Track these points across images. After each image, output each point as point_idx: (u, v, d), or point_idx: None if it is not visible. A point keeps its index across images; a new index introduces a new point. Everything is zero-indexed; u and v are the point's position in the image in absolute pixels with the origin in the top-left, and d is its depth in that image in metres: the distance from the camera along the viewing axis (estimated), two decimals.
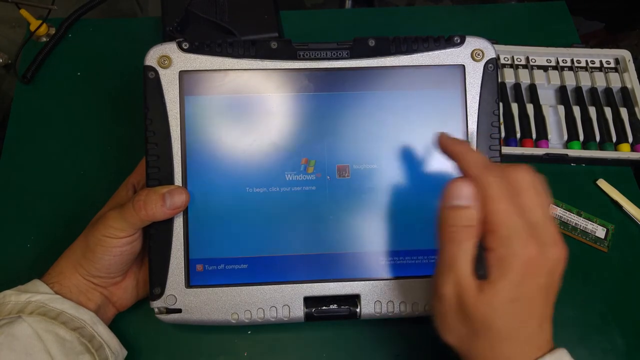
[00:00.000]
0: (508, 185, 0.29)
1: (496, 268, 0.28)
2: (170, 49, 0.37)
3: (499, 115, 0.39)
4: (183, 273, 0.37)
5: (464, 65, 0.39)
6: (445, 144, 0.33)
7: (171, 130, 0.37)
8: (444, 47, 0.39)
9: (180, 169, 0.37)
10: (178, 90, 0.37)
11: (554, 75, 0.53)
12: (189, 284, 0.37)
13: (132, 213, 0.34)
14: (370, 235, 0.38)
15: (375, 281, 0.38)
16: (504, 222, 0.28)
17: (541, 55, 0.54)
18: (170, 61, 0.37)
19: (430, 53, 0.39)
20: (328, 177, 0.38)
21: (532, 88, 0.52)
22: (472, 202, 0.29)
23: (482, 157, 0.30)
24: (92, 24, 0.56)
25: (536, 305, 0.30)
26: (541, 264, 0.29)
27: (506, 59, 0.53)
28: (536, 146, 0.49)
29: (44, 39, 0.55)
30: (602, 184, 0.49)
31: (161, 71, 0.37)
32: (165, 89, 0.37)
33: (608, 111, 0.51)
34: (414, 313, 0.38)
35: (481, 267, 0.29)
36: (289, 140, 0.38)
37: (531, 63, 0.53)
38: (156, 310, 0.37)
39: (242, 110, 0.38)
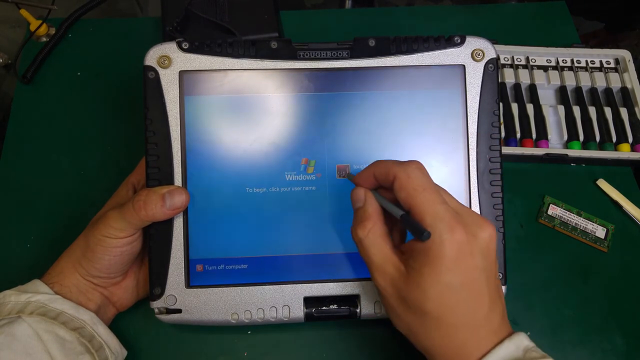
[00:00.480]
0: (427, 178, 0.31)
1: (422, 255, 0.29)
2: (170, 49, 0.37)
3: (499, 115, 0.39)
4: (183, 273, 0.37)
5: (464, 65, 0.39)
6: (358, 179, 0.34)
7: (171, 130, 0.37)
8: (444, 47, 0.39)
9: (180, 169, 0.37)
10: (178, 90, 0.37)
11: (554, 75, 0.53)
12: (189, 284, 0.37)
13: (132, 213, 0.34)
14: None
15: None
16: (427, 211, 0.29)
17: (541, 55, 0.54)
18: (170, 61, 0.37)
19: (431, 53, 0.39)
20: (328, 177, 0.38)
21: (532, 88, 0.52)
22: (363, 202, 0.32)
23: (391, 160, 0.32)
24: (92, 24, 0.56)
25: (479, 288, 0.29)
26: (473, 246, 0.29)
27: (506, 59, 0.53)
28: (536, 146, 0.49)
29: (44, 39, 0.55)
30: (602, 184, 0.49)
31: (161, 71, 0.37)
32: (165, 89, 0.37)
33: (608, 111, 0.51)
34: None
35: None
36: (289, 140, 0.38)
37: (531, 63, 0.53)
38: (156, 310, 0.37)
39: (242, 110, 0.38)
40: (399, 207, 0.31)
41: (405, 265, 0.30)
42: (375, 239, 0.31)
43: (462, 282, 0.29)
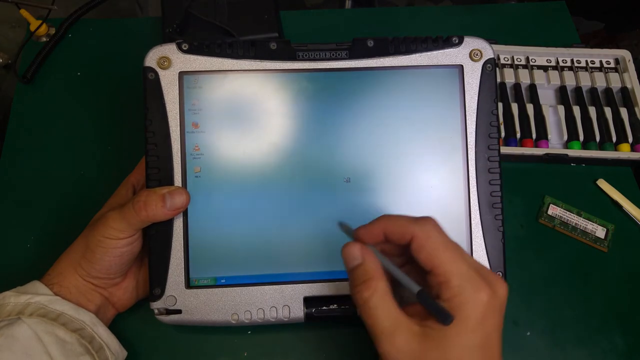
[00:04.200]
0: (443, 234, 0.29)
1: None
2: (169, 50, 0.37)
3: (497, 115, 0.39)
4: (183, 274, 0.37)
5: (462, 66, 0.39)
6: (364, 235, 0.31)
7: (171, 131, 0.37)
8: (443, 48, 0.39)
9: (180, 169, 0.37)
10: (178, 91, 0.37)
11: (554, 75, 0.53)
12: (188, 285, 0.37)
13: (133, 214, 0.34)
14: None
15: None
16: (452, 271, 0.28)
17: (541, 55, 0.54)
18: (169, 62, 0.37)
19: (429, 53, 0.39)
20: (327, 178, 0.38)
21: (532, 88, 0.52)
22: (361, 259, 0.29)
23: (404, 216, 0.30)
24: (92, 24, 0.56)
25: (496, 347, 0.28)
26: (495, 304, 0.28)
27: (506, 59, 0.53)
28: (536, 146, 0.49)
29: (44, 39, 0.55)
30: (602, 184, 0.49)
31: (161, 72, 0.37)
32: (165, 89, 0.37)
33: (608, 111, 0.51)
34: None
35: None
36: (289, 140, 0.38)
37: (531, 63, 0.53)
38: (156, 311, 0.37)
39: (242, 111, 0.38)
40: (414, 278, 0.29)
41: (420, 325, 0.28)
42: (381, 299, 0.28)
43: (482, 344, 0.27)
